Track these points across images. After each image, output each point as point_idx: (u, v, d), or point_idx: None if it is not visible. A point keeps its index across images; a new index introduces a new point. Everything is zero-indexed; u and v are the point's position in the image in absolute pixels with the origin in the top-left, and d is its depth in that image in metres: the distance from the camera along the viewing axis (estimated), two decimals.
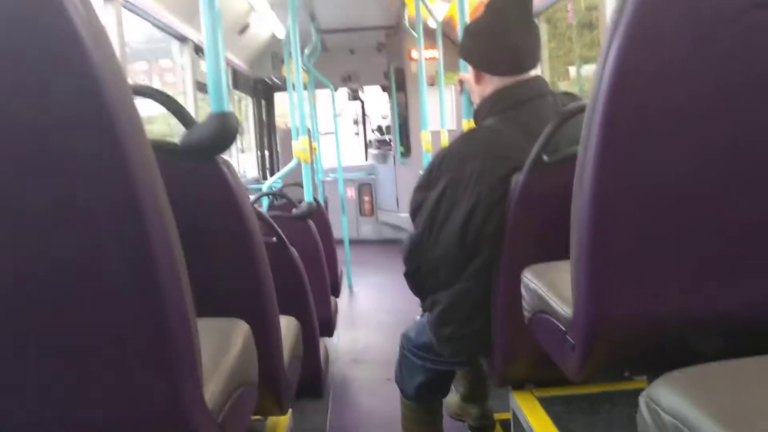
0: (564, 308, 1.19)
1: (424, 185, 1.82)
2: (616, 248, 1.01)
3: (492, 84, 1.82)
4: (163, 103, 1.28)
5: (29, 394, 0.80)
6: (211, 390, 0.93)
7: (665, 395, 0.75)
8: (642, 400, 0.80)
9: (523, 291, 1.46)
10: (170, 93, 1.38)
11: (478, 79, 1.87)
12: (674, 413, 0.73)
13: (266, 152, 8.08)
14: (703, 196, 0.99)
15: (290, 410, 1.78)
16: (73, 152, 0.71)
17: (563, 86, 4.94)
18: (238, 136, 1.37)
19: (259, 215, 2.23)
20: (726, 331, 1.07)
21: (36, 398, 0.80)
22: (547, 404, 1.74)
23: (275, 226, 2.28)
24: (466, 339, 1.82)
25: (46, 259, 0.75)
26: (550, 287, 1.31)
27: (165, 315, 0.78)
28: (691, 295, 1.03)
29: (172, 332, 0.80)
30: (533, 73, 1.84)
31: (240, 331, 1.14)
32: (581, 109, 1.62)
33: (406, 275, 1.90)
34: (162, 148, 1.28)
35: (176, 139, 1.33)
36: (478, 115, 1.86)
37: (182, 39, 4.26)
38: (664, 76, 0.94)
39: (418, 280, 1.88)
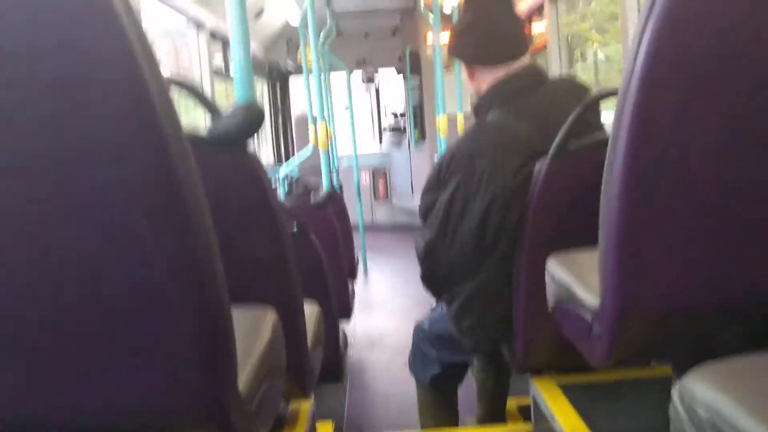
0: (590, 297, 1.20)
1: (434, 187, 1.80)
2: (646, 237, 1.01)
3: (486, 77, 1.83)
4: (192, 94, 1.29)
5: (64, 387, 0.81)
6: (244, 378, 0.94)
7: (700, 389, 0.75)
8: (675, 393, 0.80)
9: (547, 279, 1.46)
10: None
11: (471, 75, 1.89)
12: (709, 407, 0.72)
13: (281, 138, 8.08)
14: (734, 184, 0.98)
15: (312, 395, 1.80)
16: (116, 144, 0.72)
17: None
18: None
19: (282, 206, 2.25)
20: (755, 320, 1.07)
21: (73, 388, 0.82)
22: (568, 390, 1.75)
23: (298, 215, 2.30)
24: (487, 329, 1.82)
25: (87, 249, 0.76)
26: (576, 276, 1.31)
27: (203, 304, 0.79)
28: (720, 283, 1.03)
29: (210, 322, 0.81)
30: (525, 61, 1.83)
31: (269, 319, 1.16)
32: (611, 93, 1.61)
33: (423, 278, 1.89)
34: (190, 138, 1.30)
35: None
36: (479, 111, 1.86)
37: (199, 25, 4.26)
38: (698, 63, 0.93)
39: (436, 280, 1.87)
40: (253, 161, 1.32)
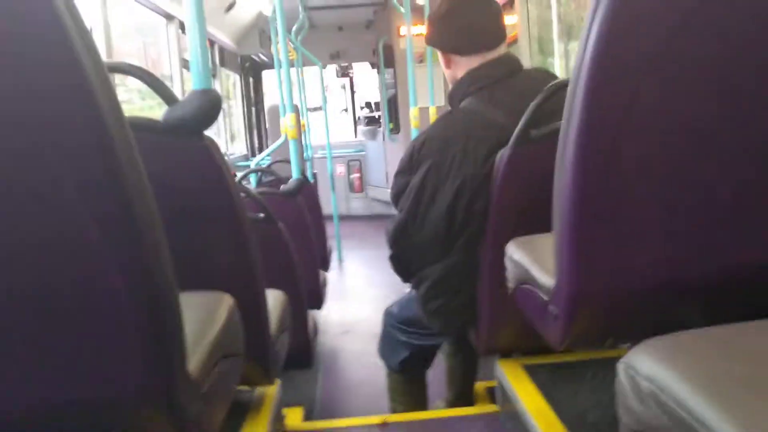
0: (546, 278, 1.21)
1: (406, 170, 1.82)
2: (597, 219, 1.03)
3: (462, 66, 1.85)
4: (142, 80, 1.27)
5: (10, 375, 0.80)
6: (195, 361, 0.94)
7: (643, 362, 0.77)
8: (620, 367, 0.81)
9: (506, 263, 1.48)
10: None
11: (448, 64, 1.90)
12: (652, 380, 0.74)
13: (254, 130, 8.04)
14: (682, 166, 1.00)
15: (278, 381, 1.80)
16: (53, 130, 0.71)
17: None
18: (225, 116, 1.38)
19: (247, 192, 2.24)
20: (707, 298, 1.09)
21: (18, 380, 0.81)
22: (532, 372, 1.77)
23: (262, 201, 2.28)
24: (454, 311, 1.84)
25: (30, 239, 0.75)
26: (533, 258, 1.33)
27: (147, 289, 0.79)
28: (671, 263, 1.05)
29: (154, 306, 0.80)
30: (501, 50, 1.84)
31: (224, 303, 1.15)
32: (564, 85, 1.63)
33: (392, 258, 1.91)
34: (145, 125, 1.28)
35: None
36: (453, 98, 1.87)
37: (168, 17, 4.22)
38: (646, 52, 0.95)
39: (405, 262, 1.89)
40: (210, 147, 1.31)
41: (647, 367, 0.76)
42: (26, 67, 0.70)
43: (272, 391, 1.77)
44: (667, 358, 0.76)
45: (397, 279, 1.98)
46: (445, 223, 1.72)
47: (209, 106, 1.29)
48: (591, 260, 1.06)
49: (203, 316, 1.08)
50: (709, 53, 0.96)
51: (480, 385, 2.34)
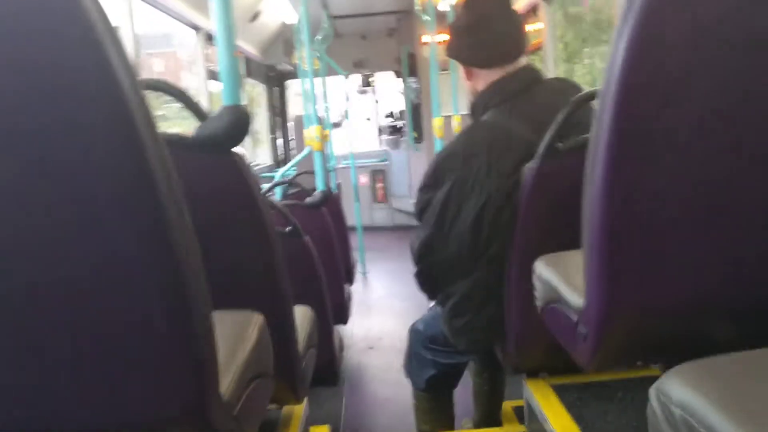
0: (575, 297, 1.20)
1: (430, 185, 1.81)
2: (628, 238, 1.01)
3: (483, 78, 1.83)
4: (176, 97, 1.29)
5: (45, 394, 0.81)
6: (227, 382, 0.95)
7: (675, 388, 0.76)
8: (652, 392, 0.80)
9: (535, 281, 1.46)
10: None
11: (469, 76, 1.89)
12: (684, 406, 0.73)
13: (279, 140, 8.09)
14: (715, 186, 0.99)
15: (305, 398, 1.80)
16: (90, 149, 0.73)
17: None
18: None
19: (273, 205, 2.25)
20: (738, 320, 1.07)
21: (53, 403, 0.82)
22: (561, 392, 1.75)
23: (289, 215, 2.29)
24: (480, 329, 1.82)
25: (65, 257, 0.76)
26: (562, 277, 1.31)
27: (183, 309, 0.80)
28: (703, 284, 1.04)
29: (190, 326, 0.81)
30: (522, 62, 1.84)
31: (255, 322, 1.16)
32: (592, 96, 1.62)
33: (417, 276, 1.90)
34: (176, 142, 1.30)
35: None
36: (475, 111, 1.86)
37: (195, 28, 4.27)
38: (679, 64, 0.93)
39: (430, 279, 1.88)
40: (240, 163, 1.32)
41: (679, 393, 0.75)
42: (64, 88, 0.71)
43: (300, 409, 1.77)
44: (700, 385, 0.75)
45: (420, 293, 1.97)
46: (470, 239, 1.70)
47: (239, 123, 1.31)
48: (621, 279, 1.05)
49: (234, 336, 1.08)
50: (742, 64, 0.94)
51: (507, 405, 2.32)
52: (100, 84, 0.71)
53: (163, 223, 0.76)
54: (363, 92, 9.96)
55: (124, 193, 0.75)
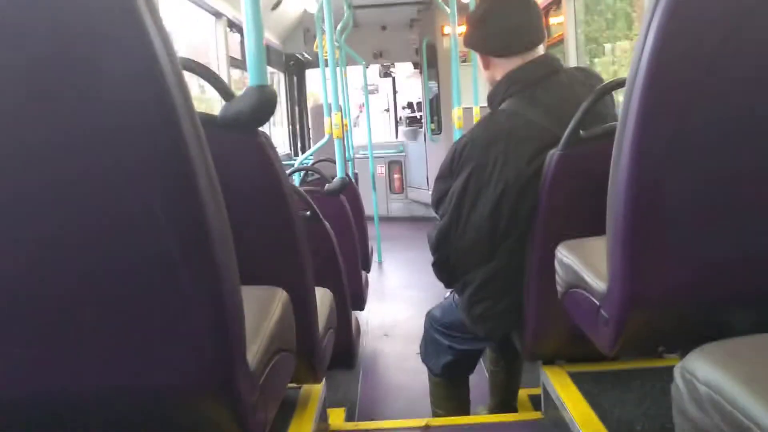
0: (599, 283, 1.20)
1: (447, 174, 1.81)
2: (652, 224, 1.02)
3: (501, 67, 1.83)
4: (204, 77, 1.30)
5: (77, 362, 0.84)
6: (253, 353, 0.96)
7: (701, 367, 0.76)
8: (677, 371, 0.81)
9: (557, 266, 1.47)
10: None
11: (486, 65, 1.89)
12: (710, 384, 0.73)
13: (297, 128, 8.11)
14: (742, 175, 0.99)
15: (323, 379, 1.81)
16: (130, 128, 0.74)
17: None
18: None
19: (294, 189, 2.26)
20: (761, 306, 1.07)
21: (87, 365, 0.84)
22: (578, 379, 1.75)
23: (309, 200, 2.31)
24: (498, 316, 1.83)
25: (101, 228, 0.78)
26: (585, 262, 1.32)
27: (213, 281, 0.81)
28: (726, 271, 1.04)
29: (220, 298, 0.83)
30: (541, 50, 1.83)
31: (279, 298, 1.17)
32: (619, 84, 1.61)
33: (435, 265, 1.90)
34: (202, 120, 1.31)
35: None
36: (493, 100, 1.86)
37: (217, 14, 4.29)
38: (705, 54, 0.93)
39: (448, 268, 1.88)
40: (265, 143, 1.33)
41: (705, 371, 0.76)
42: (104, 67, 0.73)
43: (318, 389, 1.79)
44: (726, 363, 0.75)
45: (436, 281, 1.97)
46: (488, 227, 1.71)
47: (265, 103, 1.31)
48: (645, 264, 1.05)
49: (259, 309, 1.10)
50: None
51: (523, 392, 2.33)
52: (140, 64, 0.72)
53: (198, 201, 0.78)
54: (385, 76, 9.94)
55: (161, 170, 0.76)
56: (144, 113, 0.74)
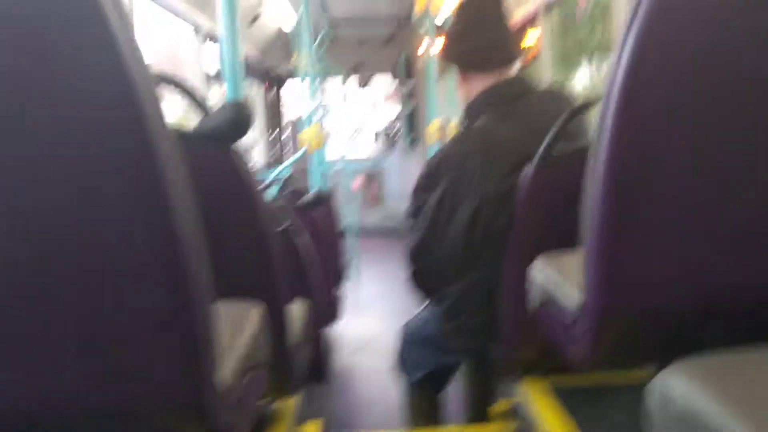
0: (572, 297, 1.20)
1: (423, 188, 1.81)
2: (627, 238, 1.02)
3: (477, 83, 1.85)
4: (180, 90, 1.29)
5: (43, 380, 0.81)
6: (225, 371, 0.94)
7: (676, 383, 0.76)
8: (651, 388, 0.80)
9: (532, 280, 1.47)
10: None
11: (463, 79, 1.90)
12: (686, 401, 0.73)
13: (274, 140, 8.08)
14: (713, 187, 1.00)
15: (298, 393, 1.80)
16: (98, 139, 0.73)
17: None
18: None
19: (269, 203, 2.25)
20: (737, 319, 1.08)
21: (50, 385, 0.81)
22: (555, 392, 1.76)
23: (282, 214, 2.29)
24: (474, 331, 1.83)
25: (70, 245, 0.76)
26: (559, 276, 1.32)
27: (186, 298, 0.80)
28: (702, 284, 1.05)
29: (192, 315, 0.81)
30: (516, 67, 1.86)
31: (254, 313, 1.16)
32: (589, 105, 1.64)
33: (411, 278, 1.90)
34: (177, 135, 1.30)
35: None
36: (469, 114, 1.87)
37: (195, 28, 4.27)
38: (679, 72, 0.95)
39: (424, 281, 1.88)
40: (238, 158, 1.32)
41: (681, 388, 0.75)
42: (74, 76, 0.71)
43: (292, 404, 1.77)
44: (702, 380, 0.75)
45: (412, 294, 1.97)
46: (463, 241, 1.71)
47: (241, 119, 1.31)
48: (620, 277, 1.05)
49: (233, 324, 1.08)
50: (748, 69, 0.95)
51: (500, 405, 2.33)
52: (108, 69, 0.71)
53: (169, 215, 0.76)
54: (363, 86, 9.98)
55: (130, 182, 0.75)
56: (108, 111, 0.72)
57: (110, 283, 0.78)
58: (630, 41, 0.93)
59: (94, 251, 0.76)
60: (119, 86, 0.71)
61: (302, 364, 1.72)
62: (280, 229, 2.22)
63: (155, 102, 0.75)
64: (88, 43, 0.70)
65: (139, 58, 0.73)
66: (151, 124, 0.73)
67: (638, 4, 0.92)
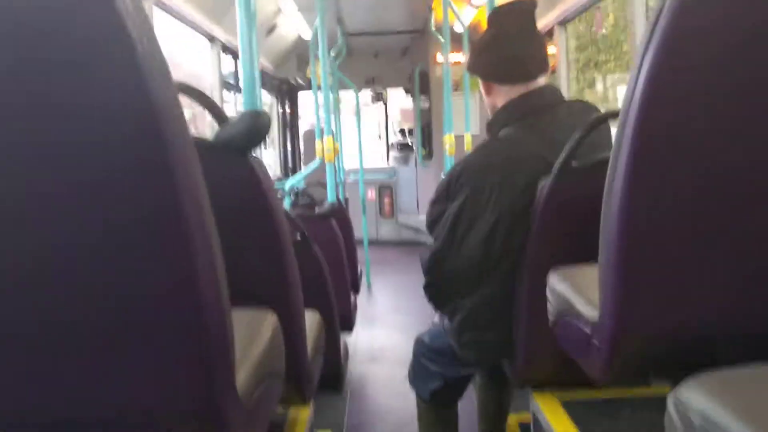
0: (590, 311, 1.20)
1: (443, 198, 1.81)
2: (645, 254, 1.02)
3: (503, 95, 1.84)
4: (197, 100, 1.31)
5: (63, 384, 0.82)
6: (241, 378, 0.95)
7: (695, 397, 0.75)
8: (670, 401, 0.80)
9: (548, 293, 1.47)
10: None
11: (488, 91, 1.89)
12: (704, 415, 0.73)
13: (289, 151, 8.12)
14: (735, 206, 0.99)
15: (311, 403, 1.80)
16: (117, 148, 0.73)
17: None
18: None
19: (285, 213, 2.26)
20: (754, 338, 1.07)
21: (69, 388, 0.82)
22: (568, 406, 1.74)
23: (299, 224, 2.30)
24: (488, 344, 1.82)
25: (90, 253, 0.77)
26: (576, 290, 1.31)
27: (202, 305, 0.80)
28: (719, 302, 1.04)
29: (209, 322, 0.81)
30: (542, 81, 1.85)
31: (269, 321, 1.16)
32: (609, 117, 1.63)
33: (427, 288, 1.89)
34: (196, 144, 1.31)
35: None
36: (492, 127, 1.86)
37: (211, 39, 4.31)
38: (698, 86, 0.95)
39: (440, 292, 1.88)
40: (257, 167, 1.33)
41: (699, 401, 0.75)
42: (95, 86, 0.72)
43: (306, 412, 1.77)
44: (721, 393, 0.75)
45: (425, 306, 1.96)
46: (481, 253, 1.70)
47: (258, 127, 1.32)
48: (637, 294, 1.05)
49: (249, 332, 1.09)
50: (765, 88, 0.95)
51: (513, 418, 2.31)
52: (129, 80, 0.72)
53: (183, 218, 0.77)
54: (377, 101, 10.02)
55: (149, 190, 0.75)
56: (126, 121, 0.73)
57: (128, 291, 0.79)
58: (648, 58, 0.93)
59: (113, 259, 0.77)
60: (141, 99, 0.72)
61: (316, 372, 1.72)
62: (296, 238, 2.23)
63: (178, 113, 0.76)
64: (110, 56, 0.71)
65: (162, 70, 0.74)
66: (172, 136, 0.74)
67: (656, 23, 0.92)
